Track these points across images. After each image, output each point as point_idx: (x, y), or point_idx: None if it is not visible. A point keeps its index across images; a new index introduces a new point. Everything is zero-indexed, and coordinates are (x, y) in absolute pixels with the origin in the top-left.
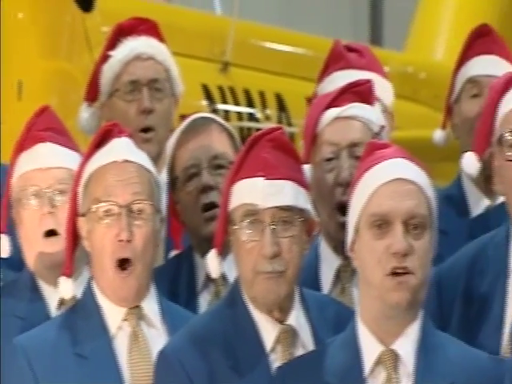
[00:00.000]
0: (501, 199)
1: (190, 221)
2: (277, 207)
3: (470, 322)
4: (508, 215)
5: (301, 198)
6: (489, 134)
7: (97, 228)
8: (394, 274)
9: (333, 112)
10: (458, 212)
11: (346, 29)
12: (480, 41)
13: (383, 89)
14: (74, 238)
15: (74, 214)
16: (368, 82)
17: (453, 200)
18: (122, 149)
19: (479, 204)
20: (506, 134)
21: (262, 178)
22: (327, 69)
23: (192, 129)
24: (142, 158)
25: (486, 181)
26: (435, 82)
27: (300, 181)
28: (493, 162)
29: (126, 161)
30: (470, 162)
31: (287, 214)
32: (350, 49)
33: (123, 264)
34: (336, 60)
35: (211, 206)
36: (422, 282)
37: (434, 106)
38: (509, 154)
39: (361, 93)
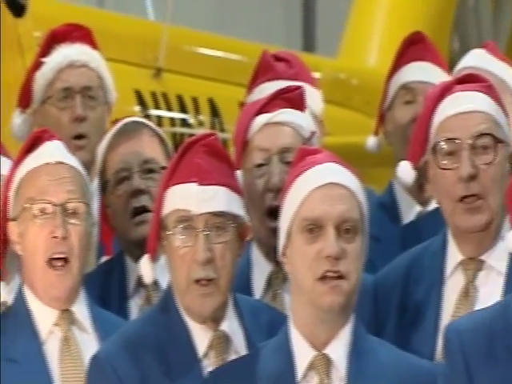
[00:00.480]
0: (432, 206)
1: (120, 225)
2: (210, 213)
3: (405, 330)
4: (442, 222)
5: (234, 203)
6: (424, 143)
7: (30, 228)
8: (326, 277)
9: (263, 118)
10: (390, 218)
11: (278, 35)
12: (413, 48)
13: (313, 98)
14: (4, 243)
15: (5, 220)
16: (298, 87)
17: (385, 207)
18: (54, 151)
19: (411, 211)
20: (441, 143)
21: (195, 184)
22: (256, 79)
23: (123, 133)
24: (74, 161)
25: (419, 188)
26: (367, 89)
27: (233, 187)
28: (427, 170)
29: (59, 162)
30: (405, 171)
31: (220, 219)
32: (279, 58)
33: (57, 262)
34: (264, 70)
35: (142, 209)
36: (354, 286)
37: (367, 113)
38: (443, 162)
39: (291, 99)
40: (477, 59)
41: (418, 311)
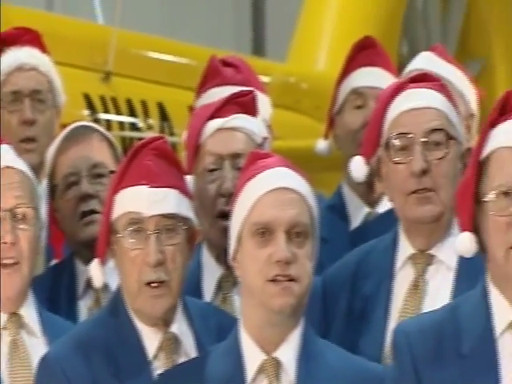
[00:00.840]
0: (380, 207)
1: (69, 228)
2: (161, 215)
3: (354, 326)
4: (391, 224)
5: (184, 206)
6: (376, 140)
7: None
8: (276, 280)
9: (216, 123)
10: (339, 220)
11: (228, 39)
12: (363, 53)
13: (261, 103)
14: None
15: None
16: (250, 92)
17: (334, 208)
18: (2, 155)
19: (359, 212)
20: (394, 138)
21: (145, 186)
22: (204, 84)
23: (72, 137)
24: (23, 165)
25: (368, 189)
26: (317, 93)
27: (183, 189)
28: (380, 167)
29: (8, 167)
30: (358, 166)
31: (171, 221)
32: (227, 63)
33: (6, 265)
34: (213, 75)
35: (90, 213)
36: (305, 289)
37: (316, 117)
38: (396, 157)
39: (244, 103)
40: (425, 62)
41: (368, 306)
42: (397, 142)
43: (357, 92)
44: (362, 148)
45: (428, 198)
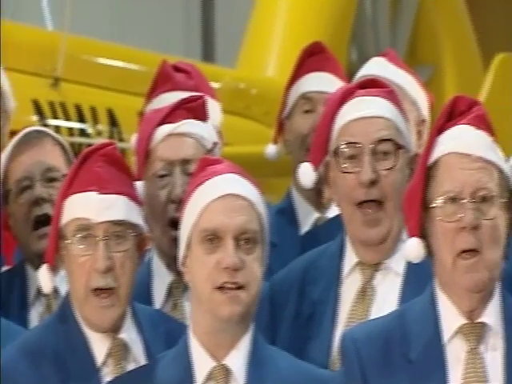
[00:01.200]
0: (330, 212)
1: (22, 235)
2: (110, 221)
3: (302, 332)
4: (341, 227)
5: (133, 213)
6: (325, 146)
7: None
8: (224, 287)
9: (166, 128)
10: (288, 225)
11: (178, 45)
12: (313, 58)
13: (212, 109)
14: None
15: None
16: (201, 97)
17: (283, 213)
18: None
19: (308, 217)
20: (343, 146)
21: (94, 193)
22: (155, 89)
23: (25, 142)
24: None
25: (317, 194)
26: (266, 99)
27: (132, 196)
28: (328, 173)
29: None
30: (306, 173)
31: (120, 228)
32: (178, 69)
33: None
34: (164, 81)
35: (44, 218)
36: (253, 296)
37: (265, 123)
38: (344, 165)
39: (194, 109)
40: (377, 67)
41: (315, 312)
42: (345, 151)
43: (305, 97)
44: (310, 154)
45: (375, 219)
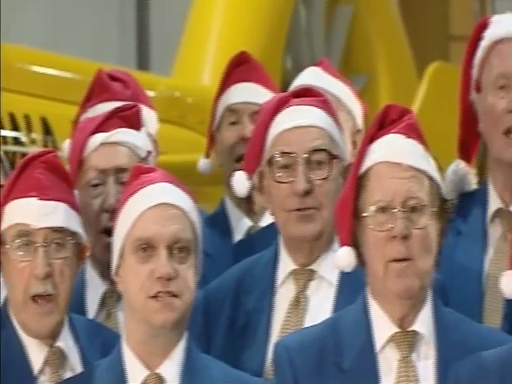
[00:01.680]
0: (263, 221)
1: None
2: (50, 228)
3: (236, 341)
4: (274, 237)
5: (73, 220)
6: (259, 154)
7: None
8: (158, 296)
9: (99, 137)
10: (222, 234)
11: (112, 53)
12: (239, 69)
13: (148, 118)
14: None
15: None
16: (134, 106)
17: (216, 222)
18: None
19: (241, 226)
20: (277, 156)
21: (35, 199)
22: (91, 98)
23: None
24: None
25: (249, 202)
26: (202, 107)
27: (72, 204)
28: (262, 182)
29: None
30: (240, 181)
31: (60, 235)
32: (114, 78)
33: None
34: (100, 90)
35: None
36: (187, 305)
37: (200, 131)
38: (278, 175)
39: (127, 117)
40: (312, 77)
41: (249, 322)
42: (280, 160)
43: (231, 109)
44: (244, 163)
45: (310, 216)
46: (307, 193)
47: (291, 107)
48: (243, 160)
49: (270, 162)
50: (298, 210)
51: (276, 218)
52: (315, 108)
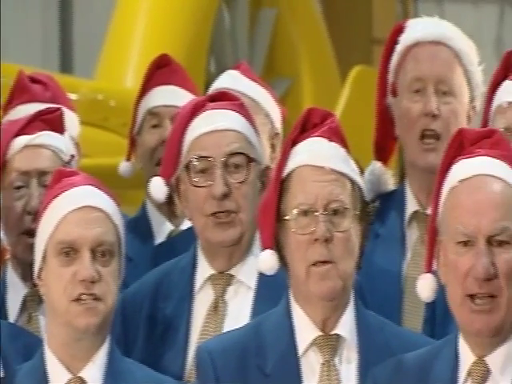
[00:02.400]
0: (184, 224)
1: None
2: None
3: (155, 346)
4: (194, 240)
5: None
6: (176, 159)
7: None
8: (80, 299)
9: (22, 140)
10: (143, 238)
11: (35, 55)
12: (160, 71)
13: (69, 121)
14: None
15: None
16: (58, 109)
17: (138, 226)
18: None
19: (163, 229)
20: (194, 160)
21: None
22: (12, 101)
23: None
24: None
25: (169, 206)
26: (125, 110)
27: None
28: (179, 186)
29: None
30: (157, 186)
31: None
32: (35, 80)
33: None
34: (20, 92)
35: None
36: (109, 308)
37: (124, 134)
38: (196, 179)
39: (50, 121)
40: (230, 80)
41: (169, 327)
42: (197, 165)
43: (152, 112)
44: (161, 168)
45: (228, 221)
46: (225, 196)
47: (207, 111)
48: None
49: (187, 166)
50: (217, 214)
51: (194, 224)
52: (231, 112)
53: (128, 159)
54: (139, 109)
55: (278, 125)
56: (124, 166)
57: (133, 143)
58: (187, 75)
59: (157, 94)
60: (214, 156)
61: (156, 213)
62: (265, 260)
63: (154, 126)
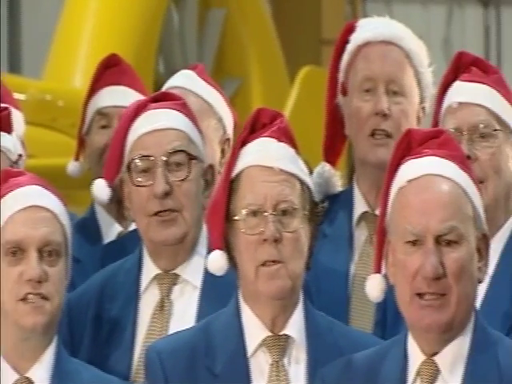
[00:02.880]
0: (133, 226)
1: None
2: None
3: (102, 347)
4: (139, 241)
5: None
6: (119, 161)
7: None
8: (27, 298)
9: None
10: (91, 239)
11: None
12: (108, 71)
13: (16, 120)
14: None
15: None
16: (5, 109)
17: (86, 227)
18: None
19: (111, 231)
20: (136, 160)
21: None
22: None
23: None
24: None
25: (117, 207)
26: (73, 110)
27: None
28: (123, 188)
29: None
30: (100, 188)
31: None
32: None
33: None
34: None
35: None
36: (57, 308)
37: (72, 135)
38: (138, 179)
39: None
40: (185, 80)
41: (115, 327)
42: (139, 164)
43: (101, 112)
44: (104, 169)
45: (171, 220)
46: (167, 194)
47: (149, 111)
48: None
49: (129, 167)
50: (159, 214)
51: (138, 224)
52: (173, 111)
53: (76, 159)
54: (88, 109)
55: (230, 131)
56: (72, 166)
57: (81, 143)
58: (136, 75)
59: (106, 94)
60: (155, 155)
61: (104, 214)
62: (214, 260)
63: (103, 127)
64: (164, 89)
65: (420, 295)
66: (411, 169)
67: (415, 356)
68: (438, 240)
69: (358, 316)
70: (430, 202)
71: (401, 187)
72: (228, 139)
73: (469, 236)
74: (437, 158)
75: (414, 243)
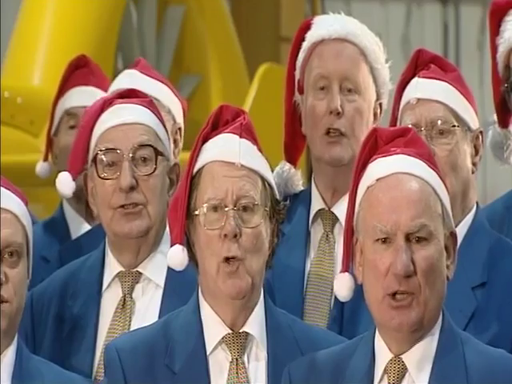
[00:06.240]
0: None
1: None
2: None
3: (64, 344)
4: (102, 239)
5: None
6: (84, 155)
7: None
8: None
9: None
10: (60, 239)
11: None
12: (77, 72)
13: None
14: None
15: None
16: None
17: (55, 227)
18: None
19: (80, 229)
20: (101, 153)
21: None
22: None
23: None
24: None
25: (87, 206)
26: (32, 107)
27: None
28: (87, 183)
29: None
30: (64, 182)
31: None
32: None
33: None
34: None
35: None
36: (17, 310)
37: (31, 132)
38: (103, 173)
39: None
40: (128, 80)
41: (77, 325)
42: (104, 158)
43: (69, 112)
44: (68, 163)
45: (135, 213)
46: (132, 188)
47: (115, 106)
48: None
49: (95, 160)
50: (124, 206)
51: (101, 218)
52: (140, 106)
53: (45, 160)
54: (56, 109)
55: (180, 119)
56: (41, 167)
57: (50, 144)
58: (105, 76)
59: (74, 94)
60: (121, 148)
61: (73, 213)
62: (174, 255)
63: (72, 127)
64: (110, 91)
65: (392, 295)
66: (380, 167)
67: (383, 354)
68: (409, 237)
69: (314, 313)
70: (399, 199)
71: (369, 186)
72: (180, 128)
73: (438, 234)
74: (405, 157)
75: (383, 241)
